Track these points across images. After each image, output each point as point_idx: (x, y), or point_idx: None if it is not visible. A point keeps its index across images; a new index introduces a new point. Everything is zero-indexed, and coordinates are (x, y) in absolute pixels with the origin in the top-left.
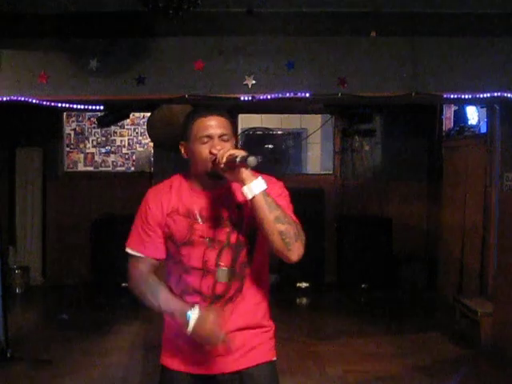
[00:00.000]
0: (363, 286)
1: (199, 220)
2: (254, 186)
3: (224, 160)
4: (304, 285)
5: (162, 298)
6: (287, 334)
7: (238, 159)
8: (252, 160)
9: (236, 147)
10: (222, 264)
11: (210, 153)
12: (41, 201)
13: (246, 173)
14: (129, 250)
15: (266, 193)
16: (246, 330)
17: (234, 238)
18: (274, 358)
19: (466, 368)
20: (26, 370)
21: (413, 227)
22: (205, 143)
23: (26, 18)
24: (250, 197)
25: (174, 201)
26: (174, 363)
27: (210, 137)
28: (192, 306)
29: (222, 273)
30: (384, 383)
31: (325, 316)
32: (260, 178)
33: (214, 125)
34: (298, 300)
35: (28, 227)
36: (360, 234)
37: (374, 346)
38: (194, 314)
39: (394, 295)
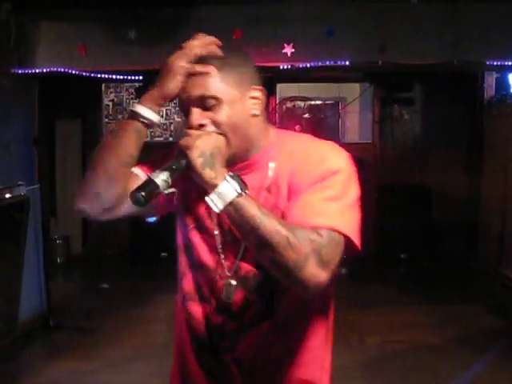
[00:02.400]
0: (402, 255)
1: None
2: (215, 199)
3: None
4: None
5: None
6: None
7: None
8: (135, 199)
9: (244, 107)
10: (228, 274)
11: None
12: (80, 172)
13: (204, 174)
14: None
15: (240, 203)
16: (277, 371)
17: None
18: None
19: (506, 340)
20: (68, 339)
21: (453, 197)
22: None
23: None
24: (215, 210)
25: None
26: None
27: (183, 105)
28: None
29: (227, 287)
30: (422, 354)
31: (364, 286)
32: (227, 176)
33: (189, 91)
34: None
35: (68, 198)
36: (399, 203)
37: (413, 316)
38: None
39: (434, 265)
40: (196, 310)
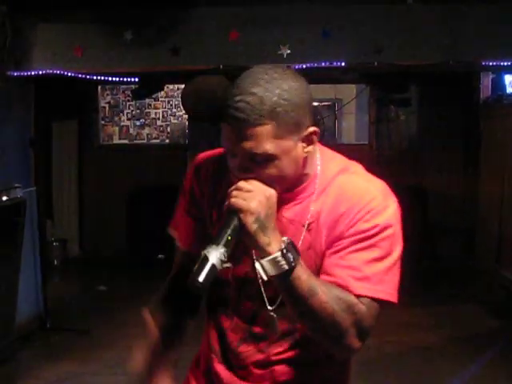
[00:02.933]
0: None
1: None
2: (267, 265)
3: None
4: None
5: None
6: None
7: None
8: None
9: (297, 153)
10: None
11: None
12: (77, 174)
13: (259, 240)
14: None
15: (292, 275)
16: None
17: None
18: None
19: (504, 340)
20: (65, 340)
21: (449, 197)
22: (232, 157)
23: None
24: (264, 277)
25: (219, 188)
26: None
27: (235, 156)
28: None
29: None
30: (420, 354)
31: None
32: (283, 246)
33: (240, 145)
34: None
35: (65, 200)
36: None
37: (410, 316)
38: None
39: (431, 266)
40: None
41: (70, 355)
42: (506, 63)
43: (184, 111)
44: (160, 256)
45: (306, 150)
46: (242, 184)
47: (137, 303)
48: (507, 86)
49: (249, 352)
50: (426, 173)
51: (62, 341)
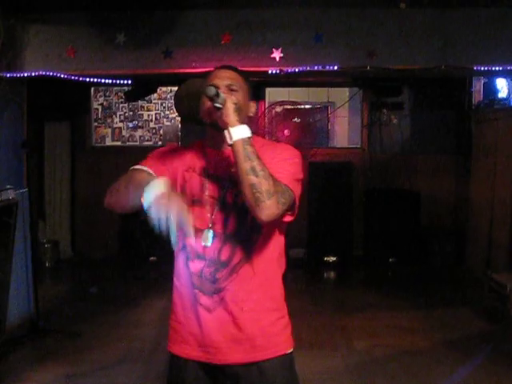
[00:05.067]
0: (391, 260)
1: (210, 179)
2: (235, 131)
3: (209, 93)
4: (331, 259)
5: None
6: (315, 307)
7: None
8: (209, 90)
9: (248, 107)
10: (209, 225)
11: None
12: (69, 175)
13: (229, 117)
14: (130, 169)
15: (247, 141)
16: (259, 313)
17: (240, 199)
18: (290, 350)
19: (495, 343)
20: (56, 342)
21: (441, 201)
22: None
23: None
24: (229, 141)
25: (191, 159)
26: (182, 350)
27: (214, 85)
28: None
29: (207, 234)
30: (411, 358)
31: (352, 290)
32: (245, 126)
33: (220, 75)
34: (325, 274)
35: (57, 201)
36: (388, 207)
37: (402, 320)
38: (157, 184)
39: (422, 269)
40: (196, 267)
41: (61, 357)
42: (497, 68)
43: (177, 113)
44: (151, 259)
45: (250, 112)
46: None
47: (128, 305)
48: (499, 91)
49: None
50: (418, 176)
51: (52, 343)
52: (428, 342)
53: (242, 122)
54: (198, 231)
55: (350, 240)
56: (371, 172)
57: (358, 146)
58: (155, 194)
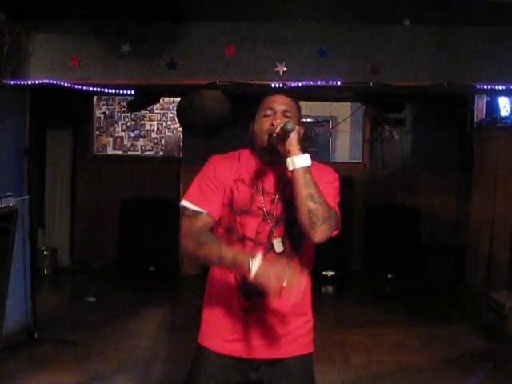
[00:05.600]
0: (390, 275)
1: (260, 192)
2: (297, 160)
3: (277, 130)
4: (330, 273)
5: (223, 246)
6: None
7: (280, 126)
8: (288, 124)
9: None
10: (275, 236)
11: (271, 125)
12: (70, 183)
13: (293, 146)
14: (186, 204)
15: (307, 169)
16: (289, 317)
17: (287, 214)
18: (312, 351)
19: (493, 362)
20: (53, 351)
21: (441, 218)
22: (267, 116)
23: (58, 1)
24: (290, 168)
25: (241, 169)
26: (211, 343)
27: (272, 109)
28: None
29: (277, 243)
30: (409, 375)
31: (350, 305)
32: (307, 155)
33: (278, 101)
34: (323, 288)
35: (57, 209)
36: (388, 223)
37: (400, 336)
38: (257, 258)
39: (421, 286)
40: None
41: (57, 366)
42: (499, 87)
43: (179, 124)
44: (151, 268)
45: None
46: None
47: (126, 315)
48: (501, 109)
49: None
50: (419, 193)
51: (49, 351)
52: (426, 358)
53: (302, 151)
54: (248, 240)
55: (349, 255)
56: (372, 187)
57: (360, 161)
58: (258, 268)
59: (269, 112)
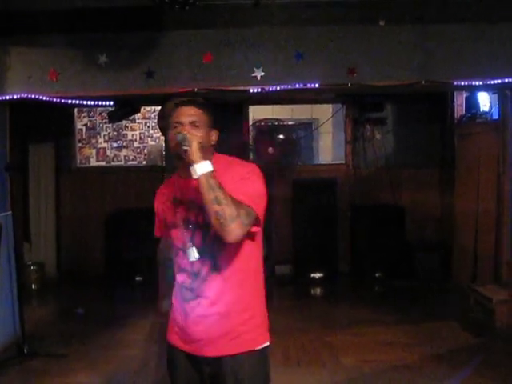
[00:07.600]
0: (377, 275)
1: (180, 204)
2: (198, 167)
3: (172, 144)
4: (318, 275)
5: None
6: (302, 324)
7: (177, 138)
8: (179, 136)
9: (210, 137)
10: (190, 244)
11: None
12: (54, 197)
13: (193, 155)
14: (156, 236)
15: (209, 174)
16: (228, 315)
17: (201, 218)
18: (260, 347)
19: (481, 356)
20: (43, 365)
21: (426, 215)
22: (175, 128)
23: (34, 15)
24: (194, 176)
25: (169, 190)
26: (173, 339)
27: (179, 123)
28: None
29: (190, 251)
30: (400, 372)
31: (339, 306)
32: (208, 162)
33: (184, 113)
34: (312, 290)
35: (42, 223)
36: (373, 222)
37: (389, 335)
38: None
39: (408, 284)
40: (181, 279)
41: (48, 380)
42: (476, 83)
43: (161, 133)
44: (138, 278)
45: (212, 140)
46: (187, 129)
47: (114, 326)
48: (480, 105)
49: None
50: (403, 191)
51: (39, 365)
52: (416, 356)
53: (205, 158)
54: (179, 249)
55: (336, 256)
56: (356, 187)
57: (343, 162)
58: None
59: (176, 126)
